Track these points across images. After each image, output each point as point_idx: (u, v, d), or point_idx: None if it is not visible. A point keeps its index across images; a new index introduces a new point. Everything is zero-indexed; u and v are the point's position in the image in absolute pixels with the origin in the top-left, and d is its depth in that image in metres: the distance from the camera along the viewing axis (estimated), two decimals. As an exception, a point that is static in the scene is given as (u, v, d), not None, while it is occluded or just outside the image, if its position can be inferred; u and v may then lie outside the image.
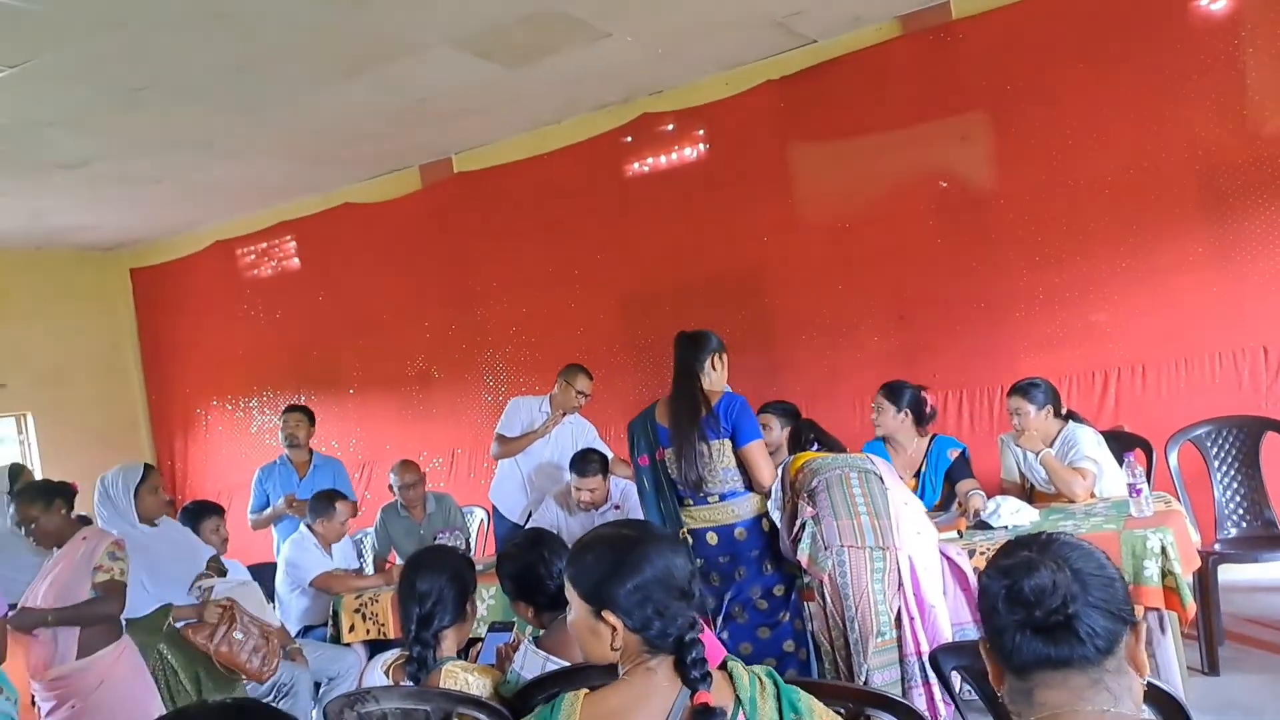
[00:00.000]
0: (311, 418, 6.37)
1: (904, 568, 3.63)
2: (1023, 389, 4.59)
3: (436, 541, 5.32)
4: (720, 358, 4.16)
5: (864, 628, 3.59)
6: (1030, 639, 1.47)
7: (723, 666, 1.85)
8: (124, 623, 4.17)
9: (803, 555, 3.73)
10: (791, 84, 6.40)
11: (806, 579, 3.94)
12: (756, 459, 4.01)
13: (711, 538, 4.02)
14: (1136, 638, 1.50)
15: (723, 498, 4.02)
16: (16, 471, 4.91)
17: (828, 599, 3.70)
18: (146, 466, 4.70)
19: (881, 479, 3.80)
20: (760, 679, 1.81)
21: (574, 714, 1.77)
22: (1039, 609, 1.46)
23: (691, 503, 4.05)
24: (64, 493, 4.22)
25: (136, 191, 7.53)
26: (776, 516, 3.95)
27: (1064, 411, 4.65)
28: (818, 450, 4.10)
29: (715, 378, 4.13)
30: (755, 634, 3.99)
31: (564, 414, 5.67)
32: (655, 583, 1.84)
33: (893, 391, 4.76)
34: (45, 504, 4.12)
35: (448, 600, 2.80)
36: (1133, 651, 1.49)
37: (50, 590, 4.03)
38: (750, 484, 4.05)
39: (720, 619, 3.99)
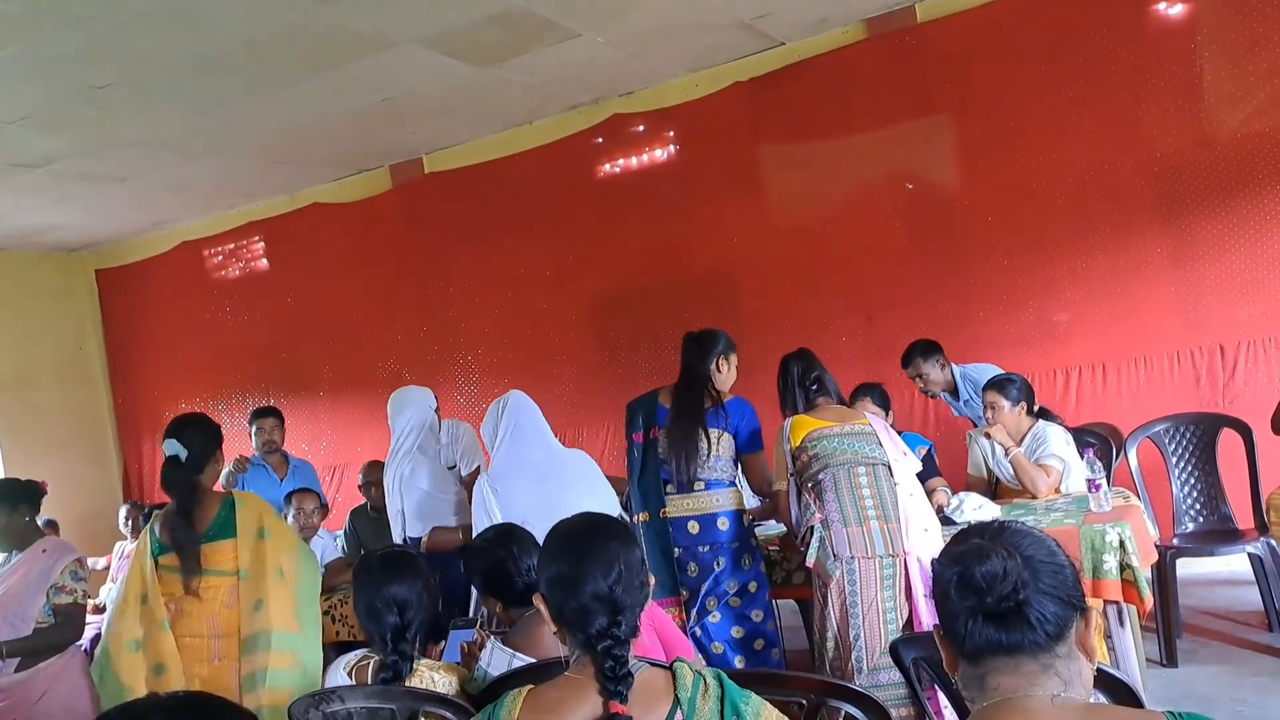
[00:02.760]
0: (282, 418, 6.29)
1: (914, 571, 3.60)
2: (999, 384, 4.66)
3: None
4: (727, 359, 4.16)
5: (869, 637, 3.56)
6: (982, 625, 1.49)
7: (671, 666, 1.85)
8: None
9: (810, 559, 3.70)
10: (760, 86, 6.44)
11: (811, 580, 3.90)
12: (758, 467, 4.11)
13: (693, 526, 4.02)
14: (1086, 624, 1.52)
15: (708, 485, 4.03)
16: (426, 400, 5.12)
17: (833, 604, 3.63)
18: None
19: (890, 469, 3.72)
20: (705, 680, 1.80)
21: (515, 709, 1.77)
22: (990, 595, 1.48)
23: (675, 490, 4.04)
24: (29, 496, 4.00)
25: (100, 191, 7.40)
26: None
27: (1036, 409, 4.71)
28: (821, 404, 3.99)
29: (721, 379, 4.13)
30: (729, 633, 4.01)
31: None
32: (573, 580, 1.82)
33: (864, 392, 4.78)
34: (9, 507, 3.88)
35: (425, 607, 2.77)
36: (1083, 637, 1.51)
37: None
38: (733, 479, 4.09)
39: (694, 611, 3.99)
